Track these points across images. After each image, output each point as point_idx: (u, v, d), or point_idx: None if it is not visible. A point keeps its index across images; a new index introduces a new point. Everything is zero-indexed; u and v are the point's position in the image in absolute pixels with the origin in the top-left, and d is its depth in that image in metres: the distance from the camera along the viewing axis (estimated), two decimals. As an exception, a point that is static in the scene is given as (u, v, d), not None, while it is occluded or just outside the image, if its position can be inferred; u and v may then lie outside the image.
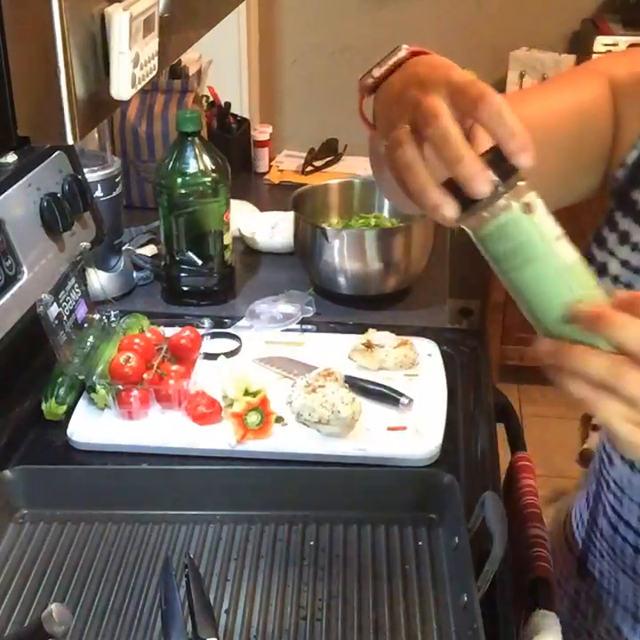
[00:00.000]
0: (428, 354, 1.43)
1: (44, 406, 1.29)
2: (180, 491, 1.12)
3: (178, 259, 1.60)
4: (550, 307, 0.63)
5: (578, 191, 0.95)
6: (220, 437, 1.23)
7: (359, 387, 1.33)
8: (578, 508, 1.20)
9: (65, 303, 1.27)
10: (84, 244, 1.33)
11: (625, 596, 1.10)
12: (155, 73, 0.81)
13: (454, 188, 0.63)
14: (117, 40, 0.72)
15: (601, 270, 0.90)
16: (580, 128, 0.89)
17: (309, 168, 2.32)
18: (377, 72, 0.77)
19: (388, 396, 1.31)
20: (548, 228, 0.64)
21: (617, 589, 1.11)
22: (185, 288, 1.62)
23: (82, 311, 1.33)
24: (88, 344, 1.33)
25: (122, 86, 0.74)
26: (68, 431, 1.25)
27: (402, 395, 1.30)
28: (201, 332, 1.45)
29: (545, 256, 0.63)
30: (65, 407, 1.29)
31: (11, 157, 1.14)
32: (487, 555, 0.97)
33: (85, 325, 1.34)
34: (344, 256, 1.60)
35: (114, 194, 1.58)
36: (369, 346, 1.40)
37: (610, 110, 0.90)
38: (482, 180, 0.61)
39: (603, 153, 0.91)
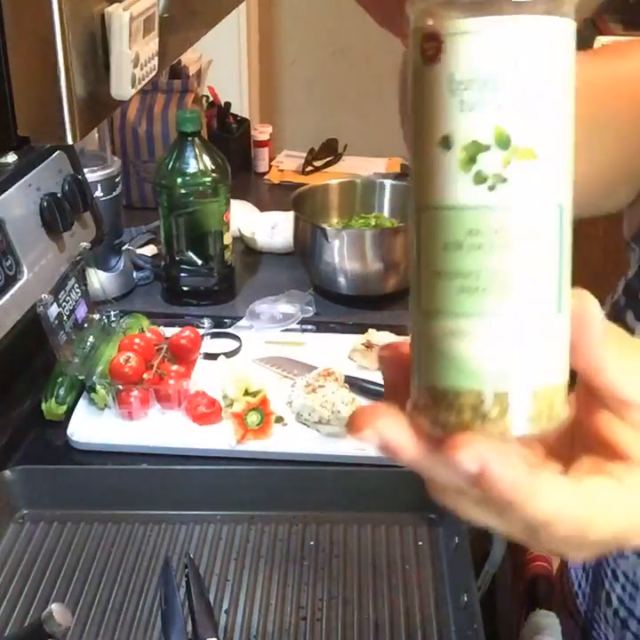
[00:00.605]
0: (427, 354, 1.43)
1: (44, 406, 1.29)
2: (179, 491, 1.12)
3: (178, 259, 1.60)
4: None
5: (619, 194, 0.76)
6: (219, 437, 1.23)
7: (359, 387, 1.33)
8: (574, 572, 1.03)
9: (65, 303, 1.27)
10: (84, 244, 1.33)
11: None
12: (155, 73, 0.81)
13: None
14: (117, 40, 0.72)
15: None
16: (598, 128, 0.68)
17: (309, 168, 2.32)
18: None
19: (388, 396, 1.31)
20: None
21: None
22: (185, 288, 1.62)
23: (82, 311, 1.33)
24: (88, 344, 1.33)
25: (122, 86, 0.74)
26: (68, 431, 1.25)
27: (402, 395, 1.30)
28: (201, 332, 1.45)
29: None
30: (65, 407, 1.29)
31: (11, 157, 1.14)
32: (487, 555, 0.97)
33: (85, 325, 1.34)
34: (344, 256, 1.59)
35: (114, 194, 1.58)
36: (369, 346, 1.40)
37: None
38: None
39: None
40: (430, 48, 0.37)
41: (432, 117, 0.37)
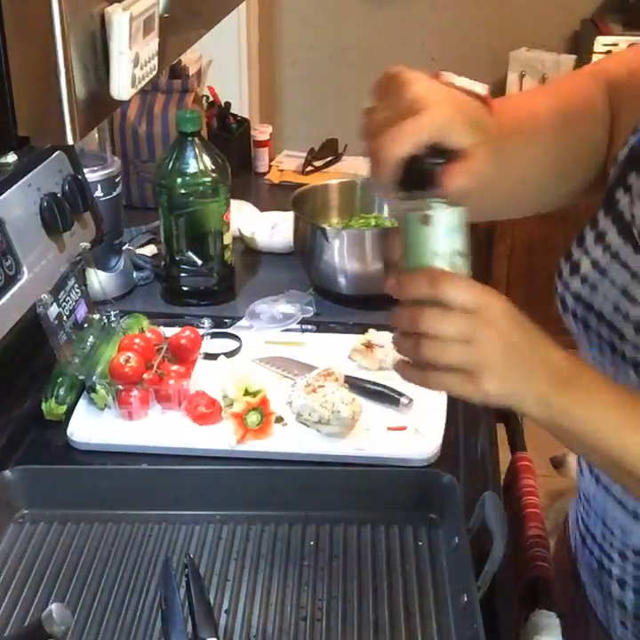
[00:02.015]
0: (427, 354, 1.43)
1: (44, 406, 1.29)
2: (179, 491, 1.12)
3: (178, 259, 1.60)
4: None
5: (575, 183, 0.96)
6: (220, 437, 1.23)
7: (359, 387, 1.33)
8: (571, 513, 1.16)
9: (65, 303, 1.27)
10: (84, 244, 1.33)
11: (599, 610, 1.06)
12: (155, 73, 0.81)
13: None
14: (117, 40, 0.72)
15: (574, 268, 0.92)
16: (565, 125, 0.92)
17: (309, 168, 2.32)
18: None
19: (387, 396, 1.31)
20: (440, 243, 0.74)
21: (594, 602, 1.07)
22: (185, 288, 1.62)
23: (82, 311, 1.33)
24: (88, 344, 1.33)
25: (122, 86, 0.74)
26: (68, 431, 1.25)
27: (402, 395, 1.30)
28: (201, 332, 1.45)
29: (418, 263, 0.75)
30: (65, 407, 1.29)
31: (11, 157, 1.14)
32: (487, 555, 0.97)
33: (85, 325, 1.34)
34: (344, 256, 1.59)
35: (114, 194, 1.58)
36: (369, 346, 1.40)
37: (604, 108, 0.92)
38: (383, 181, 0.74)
39: (594, 149, 0.93)
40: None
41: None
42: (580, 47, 3.04)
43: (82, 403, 1.31)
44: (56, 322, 1.23)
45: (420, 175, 0.73)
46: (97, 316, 1.38)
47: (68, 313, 1.28)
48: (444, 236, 0.74)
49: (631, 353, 0.85)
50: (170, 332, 1.41)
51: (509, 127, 0.87)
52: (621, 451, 0.77)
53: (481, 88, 0.79)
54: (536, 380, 0.75)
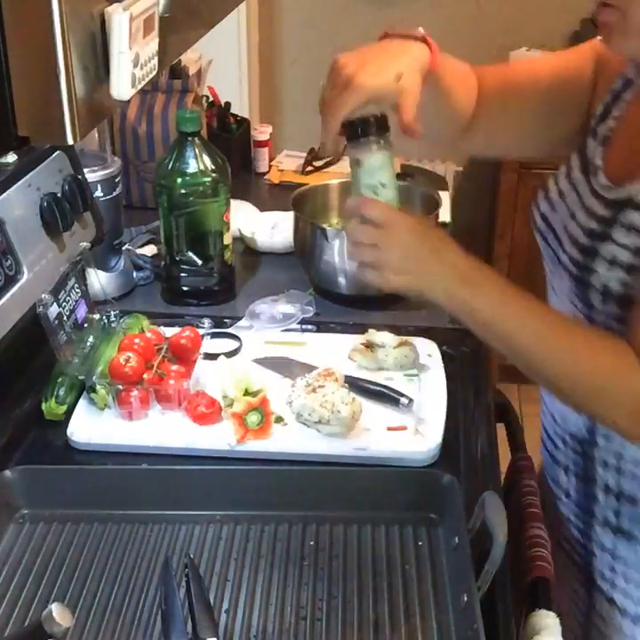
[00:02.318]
0: (427, 354, 1.43)
1: (44, 406, 1.29)
2: (179, 491, 1.12)
3: (178, 259, 1.60)
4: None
5: (560, 130, 1.18)
6: (220, 437, 1.23)
7: (359, 387, 1.33)
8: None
9: (65, 303, 1.27)
10: (84, 244, 1.33)
11: (559, 505, 1.27)
12: (155, 73, 0.81)
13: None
14: (117, 40, 0.72)
15: (544, 193, 1.16)
16: (561, 79, 1.16)
17: (309, 168, 2.32)
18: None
19: (388, 396, 1.31)
20: (367, 178, 1.02)
21: (555, 500, 1.28)
22: (185, 288, 1.62)
23: (82, 311, 1.33)
24: (88, 344, 1.33)
25: (122, 86, 0.74)
26: (68, 431, 1.25)
27: (402, 395, 1.30)
28: (201, 332, 1.45)
29: (356, 193, 1.03)
30: (65, 407, 1.29)
31: (11, 157, 1.14)
32: (487, 555, 0.97)
33: (85, 325, 1.34)
34: (344, 256, 1.59)
35: (114, 194, 1.58)
36: (369, 346, 1.40)
37: (590, 72, 1.14)
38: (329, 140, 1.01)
39: (580, 102, 1.15)
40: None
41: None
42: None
43: (82, 403, 1.31)
44: (56, 322, 1.23)
45: (354, 130, 1.00)
46: (97, 316, 1.38)
47: (68, 313, 1.28)
48: (369, 173, 1.01)
49: (566, 261, 1.08)
50: (170, 332, 1.41)
51: (508, 82, 1.19)
52: (511, 332, 1.00)
53: (420, 30, 1.05)
54: (439, 278, 1.01)
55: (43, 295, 1.20)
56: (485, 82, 1.19)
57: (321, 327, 1.53)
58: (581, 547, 1.23)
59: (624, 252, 0.99)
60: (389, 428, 1.26)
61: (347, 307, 1.62)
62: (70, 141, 0.70)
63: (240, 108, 2.56)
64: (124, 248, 1.66)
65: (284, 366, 1.40)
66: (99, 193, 1.53)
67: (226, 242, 1.61)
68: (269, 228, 1.84)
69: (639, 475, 1.11)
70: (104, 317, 1.39)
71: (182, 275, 1.61)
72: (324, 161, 2.35)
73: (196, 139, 1.53)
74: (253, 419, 1.23)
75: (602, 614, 1.22)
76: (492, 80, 1.19)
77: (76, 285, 1.31)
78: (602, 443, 1.13)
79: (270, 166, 2.36)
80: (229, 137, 2.28)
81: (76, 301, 1.31)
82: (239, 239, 1.84)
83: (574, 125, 1.15)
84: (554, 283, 1.15)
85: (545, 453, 1.27)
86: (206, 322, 1.51)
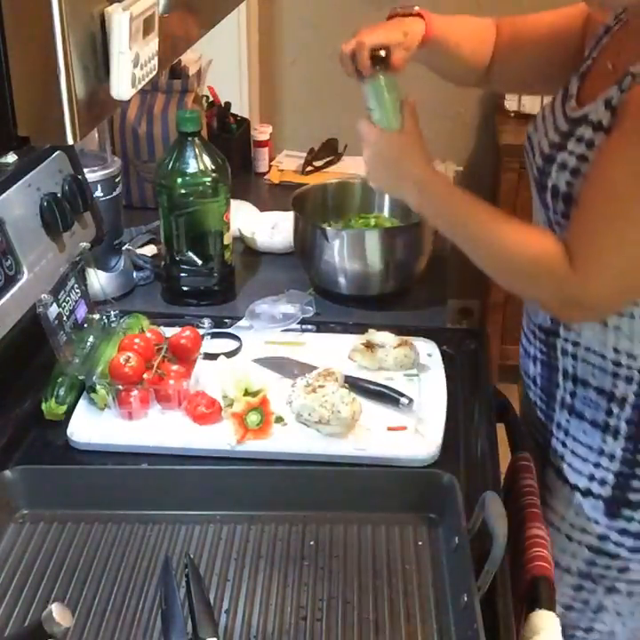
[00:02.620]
0: (428, 354, 1.43)
1: (44, 406, 1.29)
2: (179, 491, 1.12)
3: (178, 259, 1.60)
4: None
5: (559, 70, 1.35)
6: (219, 437, 1.23)
7: (359, 387, 1.33)
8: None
9: (65, 303, 1.27)
10: (84, 244, 1.33)
11: (529, 395, 1.48)
12: (155, 73, 0.81)
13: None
14: (117, 40, 0.72)
15: (534, 120, 1.35)
16: (554, 31, 1.38)
17: (309, 168, 2.32)
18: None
19: (388, 396, 1.31)
20: (381, 98, 1.25)
21: (527, 392, 1.49)
22: (185, 288, 1.62)
23: (82, 311, 1.33)
24: (88, 344, 1.33)
25: (122, 86, 0.74)
26: (68, 431, 1.25)
27: (402, 395, 1.30)
28: (201, 331, 1.45)
29: (376, 109, 1.26)
30: (65, 407, 1.29)
31: (11, 157, 1.14)
32: (487, 555, 0.97)
33: (85, 325, 1.34)
34: (344, 256, 1.60)
35: (114, 194, 1.58)
36: (369, 346, 1.40)
37: (580, 23, 1.35)
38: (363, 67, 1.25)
39: (573, 46, 1.35)
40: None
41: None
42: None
43: (82, 403, 1.31)
44: (56, 322, 1.23)
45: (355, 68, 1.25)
46: (97, 316, 1.38)
47: (68, 313, 1.28)
48: (365, 99, 1.26)
49: (534, 171, 1.29)
50: (170, 332, 1.41)
51: (517, 32, 1.42)
52: (457, 222, 1.24)
53: (415, 8, 1.33)
54: (403, 182, 1.26)
55: (43, 295, 1.20)
56: (501, 33, 1.43)
57: (321, 327, 1.53)
58: (542, 426, 1.42)
59: (572, 158, 1.19)
60: (389, 428, 1.26)
61: (347, 307, 1.63)
62: (70, 141, 0.70)
63: (240, 108, 2.56)
64: (124, 248, 1.66)
65: (284, 366, 1.40)
66: (99, 193, 1.53)
67: (226, 242, 1.61)
68: (269, 228, 1.84)
69: (590, 360, 1.29)
70: (104, 317, 1.39)
71: (182, 275, 1.61)
72: (324, 161, 2.35)
73: (196, 139, 1.53)
74: (253, 419, 1.23)
75: (550, 486, 1.40)
76: (505, 31, 1.43)
77: (76, 285, 1.31)
78: (563, 333, 1.32)
79: (270, 166, 2.36)
80: (229, 137, 2.28)
81: (76, 301, 1.31)
82: (239, 239, 1.84)
83: (570, 65, 1.33)
84: (532, 195, 1.34)
85: (521, 349, 1.47)
86: (206, 322, 1.51)
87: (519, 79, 1.50)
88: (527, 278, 1.21)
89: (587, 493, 1.35)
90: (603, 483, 1.33)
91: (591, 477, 1.34)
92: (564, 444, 1.38)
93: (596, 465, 1.33)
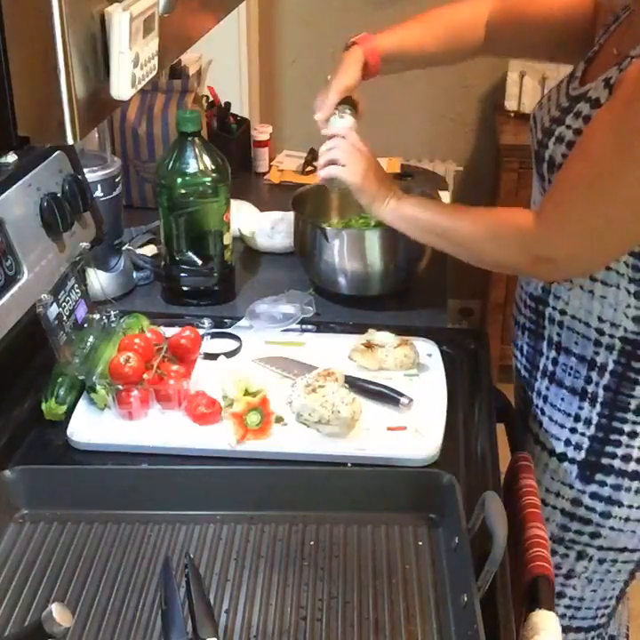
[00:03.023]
0: (427, 354, 1.43)
1: (44, 406, 1.29)
2: (179, 491, 1.12)
3: (178, 259, 1.60)
4: None
5: (569, 54, 1.45)
6: (220, 437, 1.23)
7: (359, 387, 1.33)
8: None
9: (65, 303, 1.27)
10: (84, 244, 1.33)
11: (516, 366, 1.56)
12: (155, 73, 0.81)
13: None
14: (117, 40, 0.72)
15: (540, 100, 1.42)
16: (566, 17, 1.45)
17: (309, 168, 2.32)
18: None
19: (388, 396, 1.31)
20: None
21: (516, 365, 1.57)
22: (185, 288, 1.62)
23: (82, 311, 1.33)
24: (88, 344, 1.33)
25: (122, 86, 0.74)
26: (68, 431, 1.25)
27: (402, 395, 1.30)
28: (201, 332, 1.45)
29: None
30: (65, 407, 1.29)
31: (11, 157, 1.14)
32: (487, 555, 0.97)
33: (85, 325, 1.34)
34: (344, 256, 1.60)
35: (114, 194, 1.58)
36: (369, 346, 1.40)
37: (591, 17, 1.41)
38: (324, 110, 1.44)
39: (581, 40, 1.41)
40: None
41: None
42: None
43: (82, 403, 1.31)
44: (56, 322, 1.23)
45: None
46: (97, 316, 1.38)
47: (67, 313, 1.28)
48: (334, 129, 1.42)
49: (535, 146, 1.35)
50: (170, 332, 1.41)
51: (518, 16, 1.50)
52: (432, 226, 1.36)
53: (351, 40, 1.53)
54: (385, 181, 1.41)
55: (43, 295, 1.20)
56: (494, 19, 1.51)
57: (321, 327, 1.53)
58: (524, 394, 1.50)
59: (569, 131, 1.26)
60: (389, 428, 1.26)
61: (347, 307, 1.63)
62: (70, 141, 0.70)
63: (240, 108, 2.56)
64: (124, 248, 1.66)
65: (284, 366, 1.40)
66: (99, 193, 1.53)
67: (226, 242, 1.61)
68: (269, 228, 1.84)
69: (575, 328, 1.36)
70: (104, 317, 1.39)
71: (182, 275, 1.61)
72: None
73: (196, 139, 1.53)
74: (253, 419, 1.23)
75: (527, 451, 1.43)
76: (499, 17, 1.50)
77: (76, 285, 1.31)
78: (551, 302, 1.39)
79: (270, 166, 2.36)
80: (229, 137, 2.28)
81: (76, 301, 1.31)
82: (239, 239, 1.84)
83: (579, 49, 1.40)
84: (533, 170, 1.41)
85: (512, 320, 1.54)
86: (206, 322, 1.51)
87: (527, 46, 1.57)
88: (493, 240, 1.28)
89: (562, 458, 1.42)
90: (578, 447, 1.40)
91: (567, 442, 1.41)
92: (542, 411, 1.45)
93: (572, 430, 1.40)
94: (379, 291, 1.65)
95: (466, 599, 0.95)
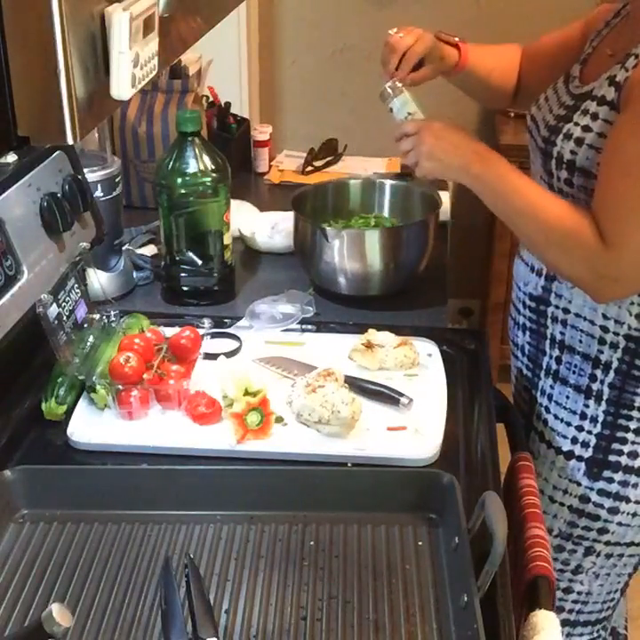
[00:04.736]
0: (428, 354, 1.43)
1: (43, 406, 1.29)
2: (180, 491, 1.12)
3: (178, 259, 1.60)
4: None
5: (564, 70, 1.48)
6: (220, 437, 1.23)
7: (359, 387, 1.33)
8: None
9: (65, 303, 1.27)
10: (84, 244, 1.33)
11: (515, 365, 1.60)
12: (155, 73, 0.81)
13: None
14: (117, 40, 0.72)
15: (536, 102, 1.47)
16: (562, 47, 1.52)
17: (309, 168, 2.32)
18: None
19: (388, 396, 1.31)
20: (402, 108, 1.45)
21: (514, 363, 1.61)
22: (185, 288, 1.62)
23: (82, 311, 1.33)
24: (88, 344, 1.33)
25: (122, 86, 0.74)
26: (68, 431, 1.25)
27: (402, 395, 1.30)
28: (201, 332, 1.45)
29: (417, 112, 1.45)
30: (65, 407, 1.29)
31: (11, 157, 1.14)
32: (487, 555, 0.97)
33: (85, 325, 1.34)
34: (344, 256, 1.60)
35: (114, 194, 1.58)
36: (369, 346, 1.40)
37: (582, 36, 1.48)
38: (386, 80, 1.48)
39: (573, 51, 1.47)
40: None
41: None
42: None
43: (82, 403, 1.31)
44: (56, 322, 1.23)
45: (381, 92, 1.48)
46: (97, 316, 1.38)
47: (67, 313, 1.28)
48: (398, 112, 1.45)
49: (539, 142, 1.39)
50: (170, 331, 1.41)
51: (535, 53, 1.61)
52: (507, 196, 1.30)
53: (456, 39, 1.54)
54: (460, 159, 1.33)
55: (43, 295, 1.20)
56: (524, 56, 1.63)
57: (321, 327, 1.53)
58: (527, 393, 1.53)
59: (577, 128, 1.30)
60: (389, 428, 1.26)
61: (347, 307, 1.63)
62: (70, 141, 0.70)
63: (240, 108, 2.56)
64: (124, 248, 1.66)
65: (284, 366, 1.40)
66: (99, 193, 1.53)
67: (226, 242, 1.61)
68: (269, 228, 1.84)
69: (579, 327, 1.38)
70: (104, 317, 1.39)
71: (182, 275, 1.61)
72: (324, 161, 2.35)
73: (196, 139, 1.53)
74: (253, 419, 1.23)
75: (533, 450, 1.48)
76: (526, 54, 1.62)
77: (76, 285, 1.31)
78: (553, 300, 1.42)
79: (270, 166, 2.36)
80: (229, 137, 2.28)
81: (76, 301, 1.31)
82: (239, 239, 1.84)
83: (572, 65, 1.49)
84: (532, 167, 1.46)
85: (510, 320, 1.58)
86: (206, 322, 1.51)
87: (536, 88, 1.60)
88: (561, 252, 1.28)
89: (569, 456, 1.45)
90: (585, 445, 1.42)
91: (574, 440, 1.44)
92: (547, 409, 1.48)
93: (579, 428, 1.43)
94: (379, 291, 1.65)
95: (466, 599, 0.95)
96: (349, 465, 1.20)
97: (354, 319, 1.57)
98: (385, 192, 1.80)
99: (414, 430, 1.25)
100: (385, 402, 1.31)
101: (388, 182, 1.82)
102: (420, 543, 1.08)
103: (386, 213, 1.79)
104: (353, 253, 1.60)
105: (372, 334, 1.42)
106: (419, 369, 1.40)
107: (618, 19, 1.39)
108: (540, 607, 1.05)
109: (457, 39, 1.54)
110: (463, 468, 1.21)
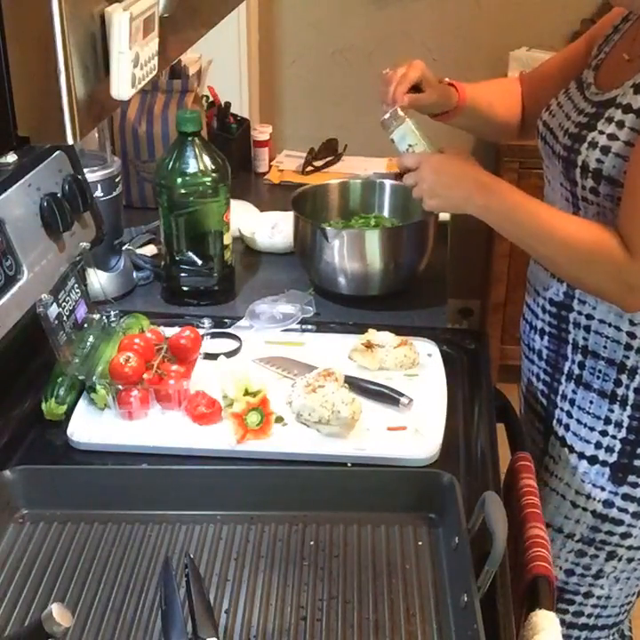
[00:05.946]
0: (428, 354, 1.43)
1: (44, 406, 1.29)
2: (180, 491, 1.12)
3: (178, 259, 1.60)
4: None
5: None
6: (220, 437, 1.23)
7: (359, 387, 1.33)
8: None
9: (65, 303, 1.27)
10: (84, 244, 1.33)
11: (526, 368, 1.58)
12: (155, 73, 0.81)
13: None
14: (117, 40, 0.72)
15: (547, 108, 1.46)
16: (568, 67, 1.51)
17: (309, 168, 2.32)
18: None
19: (388, 396, 1.31)
20: (402, 141, 1.43)
21: (525, 368, 1.60)
22: (185, 288, 1.62)
23: (82, 311, 1.33)
24: (88, 344, 1.33)
25: (122, 86, 0.74)
26: (68, 431, 1.25)
27: (402, 395, 1.30)
28: (201, 332, 1.45)
29: (418, 144, 1.43)
30: (65, 407, 1.29)
31: (11, 157, 1.14)
32: (487, 555, 0.97)
33: (85, 325, 1.34)
34: (344, 256, 1.60)
35: (114, 194, 1.58)
36: (369, 346, 1.40)
37: (586, 51, 1.47)
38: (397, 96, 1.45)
39: (577, 67, 1.46)
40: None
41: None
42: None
43: (82, 403, 1.31)
44: (56, 322, 1.23)
45: (382, 122, 1.46)
46: (97, 316, 1.38)
47: (67, 313, 1.28)
48: (399, 143, 1.44)
49: (559, 149, 1.37)
50: (170, 331, 1.41)
51: (536, 81, 1.62)
52: (520, 223, 1.31)
53: (446, 79, 1.53)
54: (461, 194, 1.34)
55: (43, 295, 1.20)
56: (524, 84, 1.62)
57: (321, 327, 1.53)
58: (545, 398, 1.51)
59: (602, 136, 1.28)
60: (389, 428, 1.26)
61: (347, 307, 1.63)
62: (70, 141, 0.70)
63: (240, 108, 2.56)
64: (124, 248, 1.66)
65: (284, 366, 1.40)
66: (99, 193, 1.53)
67: (226, 242, 1.61)
68: (269, 228, 1.84)
69: (604, 333, 1.37)
70: (104, 317, 1.39)
71: (182, 275, 1.61)
72: (324, 161, 2.36)
73: (196, 139, 1.53)
74: (253, 419, 1.23)
75: (553, 455, 1.49)
76: (527, 82, 1.62)
77: (76, 285, 1.31)
78: (576, 306, 1.40)
79: (270, 166, 2.36)
80: (229, 137, 2.28)
81: (76, 301, 1.31)
82: (239, 239, 1.84)
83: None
84: (548, 174, 1.45)
85: (524, 324, 1.57)
86: (206, 322, 1.51)
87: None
88: (586, 266, 1.27)
89: (593, 461, 1.43)
90: (609, 450, 1.41)
91: (598, 445, 1.42)
92: (569, 414, 1.45)
93: (603, 433, 1.41)
94: (379, 291, 1.65)
95: (466, 599, 0.95)
96: (349, 465, 1.20)
97: (354, 319, 1.57)
98: (385, 192, 1.80)
99: (414, 430, 1.25)
100: (385, 402, 1.31)
101: (388, 182, 1.82)
102: (419, 543, 1.08)
103: (386, 213, 1.79)
104: (353, 253, 1.60)
105: (372, 334, 1.42)
106: (419, 369, 1.40)
107: (628, 23, 1.37)
108: (539, 607, 1.05)
109: (447, 79, 1.53)
110: (463, 468, 1.21)
